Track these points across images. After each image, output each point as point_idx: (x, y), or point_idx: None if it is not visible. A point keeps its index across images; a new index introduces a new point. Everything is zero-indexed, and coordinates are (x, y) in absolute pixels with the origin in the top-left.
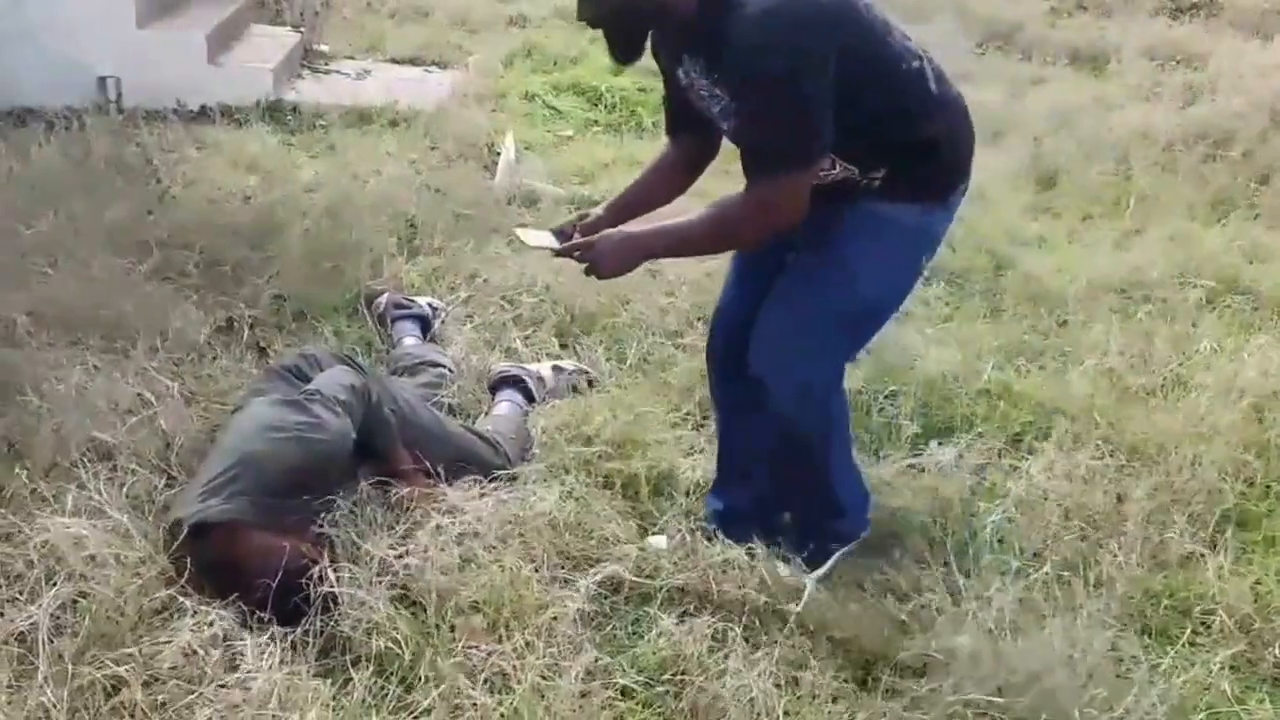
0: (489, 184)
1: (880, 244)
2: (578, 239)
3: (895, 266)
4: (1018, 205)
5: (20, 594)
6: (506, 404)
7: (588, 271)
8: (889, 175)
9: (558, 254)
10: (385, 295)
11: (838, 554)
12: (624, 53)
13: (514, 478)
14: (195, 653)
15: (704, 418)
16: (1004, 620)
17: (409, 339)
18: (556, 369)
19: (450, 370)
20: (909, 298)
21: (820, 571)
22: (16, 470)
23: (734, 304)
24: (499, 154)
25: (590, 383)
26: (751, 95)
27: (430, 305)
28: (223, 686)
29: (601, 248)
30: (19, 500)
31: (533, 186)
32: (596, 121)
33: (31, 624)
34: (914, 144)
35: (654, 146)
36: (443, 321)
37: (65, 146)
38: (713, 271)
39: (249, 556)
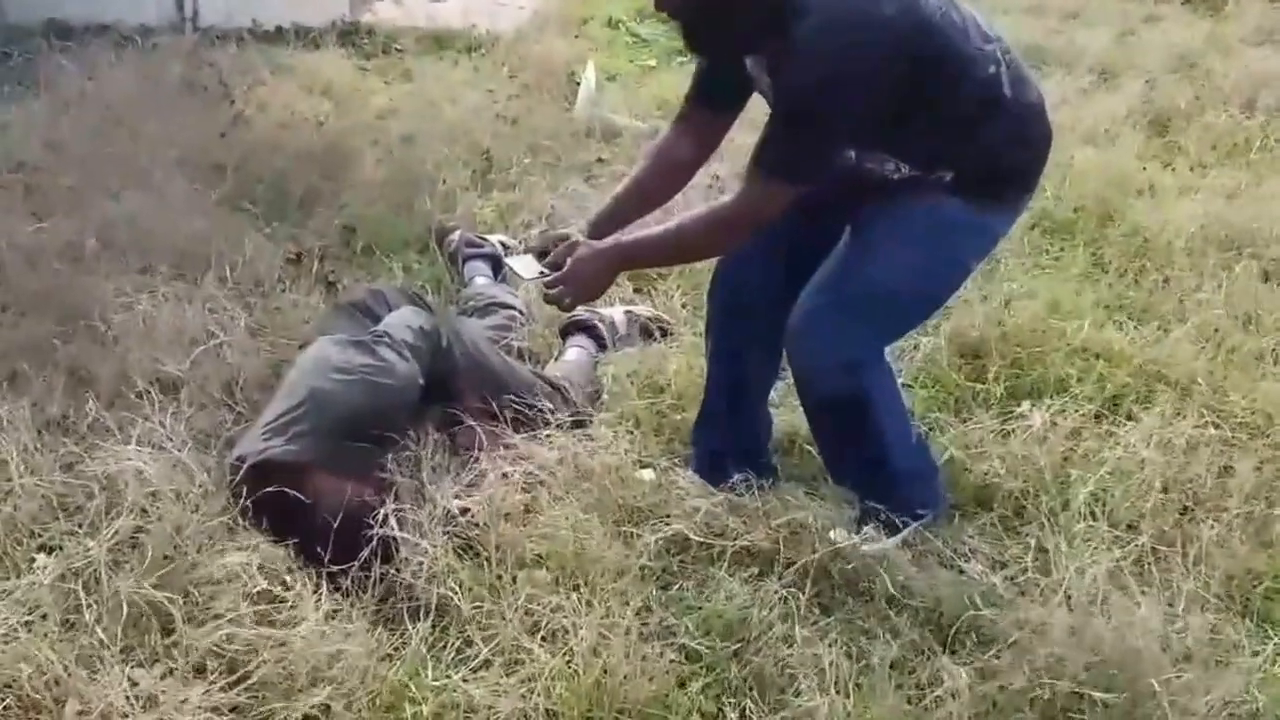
0: (568, 115)
1: (936, 239)
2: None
3: (948, 262)
4: (1127, 151)
5: (79, 526)
6: (576, 349)
7: (550, 300)
8: (955, 177)
9: (546, 294)
10: (458, 233)
11: (909, 529)
12: (703, 44)
13: (580, 423)
14: (250, 596)
15: (781, 368)
16: (1095, 595)
17: (480, 278)
18: (630, 314)
19: (521, 313)
20: (958, 293)
21: (894, 540)
22: (82, 399)
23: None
24: (579, 84)
25: (664, 331)
26: (786, 98)
27: (502, 244)
28: (274, 627)
29: (572, 271)
30: (81, 430)
31: (613, 119)
32: (681, 51)
33: (88, 560)
34: (980, 151)
35: None
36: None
37: (139, 66)
38: None
39: (311, 498)
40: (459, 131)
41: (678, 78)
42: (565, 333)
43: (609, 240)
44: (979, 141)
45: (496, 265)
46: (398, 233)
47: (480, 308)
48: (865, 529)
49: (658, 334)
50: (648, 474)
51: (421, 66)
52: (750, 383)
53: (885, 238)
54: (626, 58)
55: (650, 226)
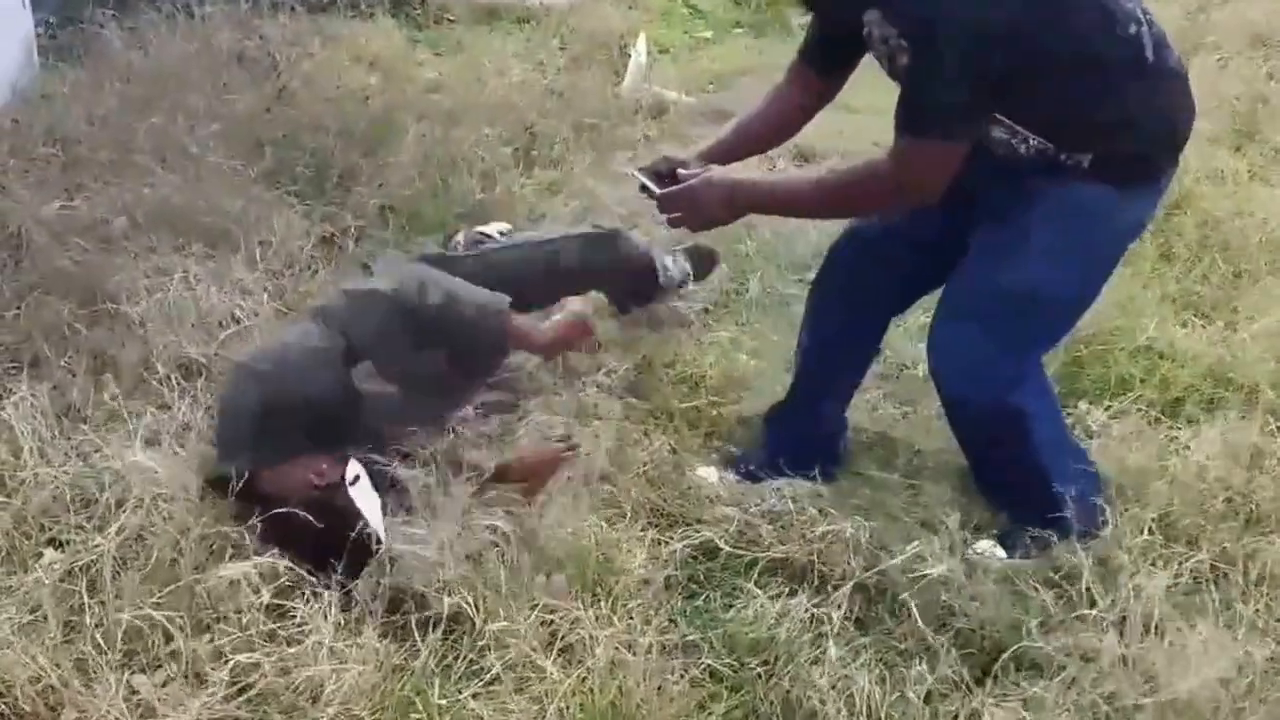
0: (617, 90)
1: (1078, 230)
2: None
3: (1092, 255)
4: (1200, 136)
5: (89, 521)
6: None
7: (675, 221)
8: (1095, 157)
9: (659, 198)
10: (462, 234)
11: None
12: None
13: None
14: (254, 605)
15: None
16: (1150, 616)
17: None
18: (674, 253)
19: None
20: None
21: (1021, 561)
22: (103, 385)
23: (872, 232)
24: (630, 56)
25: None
26: (920, 46)
27: (500, 234)
28: (279, 639)
29: (700, 194)
30: (100, 418)
31: (662, 94)
32: (739, 22)
33: (94, 558)
34: (1121, 119)
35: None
36: None
37: (188, 37)
38: None
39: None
40: (505, 106)
41: (732, 50)
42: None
43: (736, 176)
44: (1119, 109)
45: None
46: (436, 213)
47: None
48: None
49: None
50: (710, 473)
51: (472, 38)
52: (842, 378)
53: (1018, 238)
54: (681, 29)
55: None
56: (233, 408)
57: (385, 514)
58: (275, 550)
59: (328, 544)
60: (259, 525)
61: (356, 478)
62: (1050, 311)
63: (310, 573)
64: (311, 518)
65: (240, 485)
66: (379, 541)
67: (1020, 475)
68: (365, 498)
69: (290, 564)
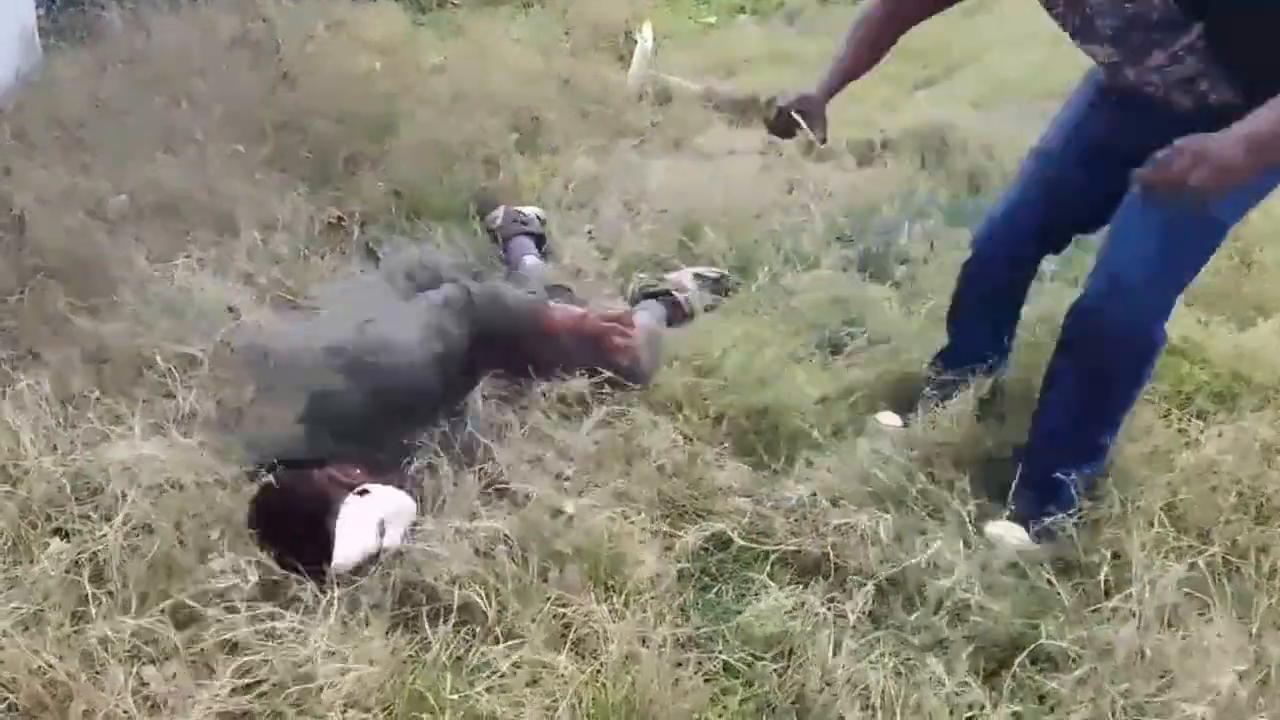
0: (621, 76)
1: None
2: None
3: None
4: None
5: (94, 511)
6: (644, 313)
7: (1167, 179)
8: None
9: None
10: (501, 209)
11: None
12: None
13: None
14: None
15: (832, 352)
16: (1164, 610)
17: (529, 258)
18: (698, 276)
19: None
20: None
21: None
22: (106, 373)
23: (1028, 211)
24: (636, 42)
25: (726, 291)
26: None
27: (538, 217)
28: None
29: (1204, 149)
30: (103, 407)
31: (667, 81)
32: (743, 8)
33: (100, 548)
34: None
35: (803, 40)
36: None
37: (192, 20)
38: (858, 186)
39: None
40: (509, 92)
41: (736, 36)
42: (634, 302)
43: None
44: None
45: (540, 241)
46: (442, 199)
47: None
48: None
49: (725, 291)
50: (890, 418)
51: (476, 22)
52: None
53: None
54: (686, 14)
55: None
56: (339, 400)
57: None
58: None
59: (294, 533)
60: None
61: (366, 492)
62: (1213, 244)
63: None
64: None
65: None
66: (328, 559)
67: (1099, 421)
68: (360, 514)
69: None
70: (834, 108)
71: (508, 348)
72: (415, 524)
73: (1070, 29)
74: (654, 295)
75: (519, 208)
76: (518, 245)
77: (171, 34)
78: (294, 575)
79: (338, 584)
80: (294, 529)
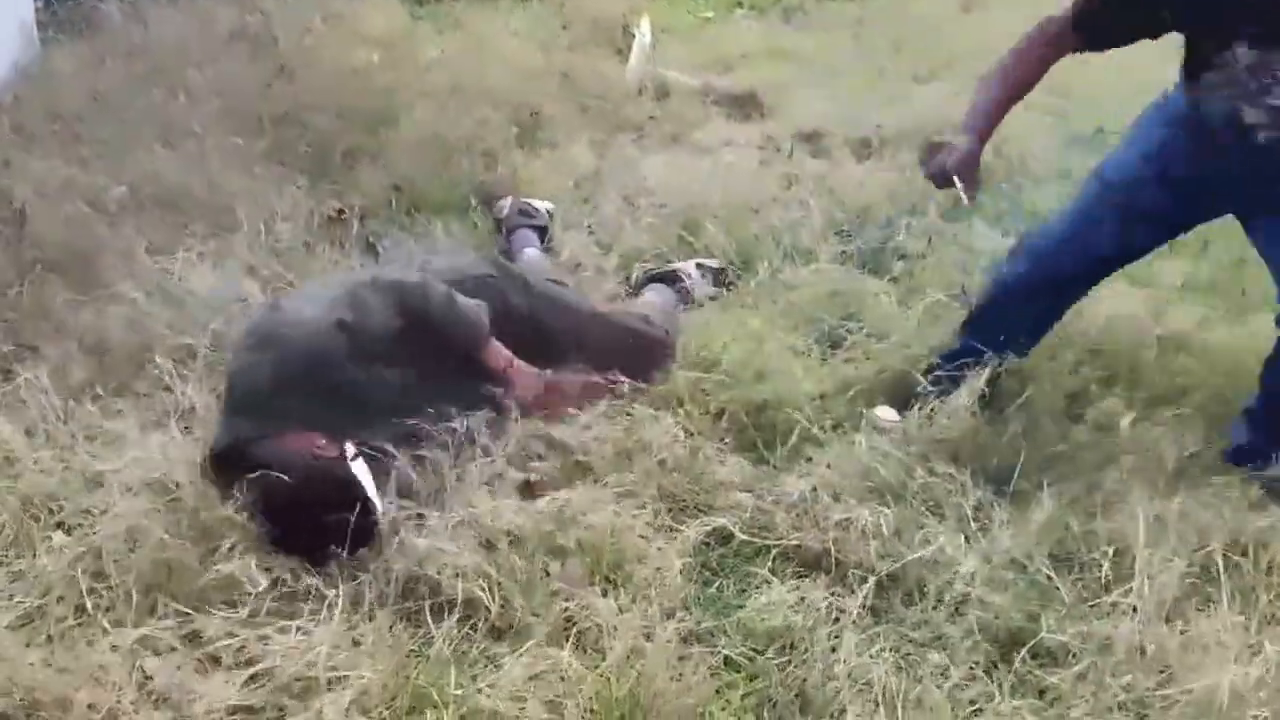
0: (620, 71)
1: None
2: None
3: None
4: None
5: (95, 505)
6: (653, 293)
7: None
8: None
9: None
10: (509, 200)
11: None
12: None
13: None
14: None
15: (832, 347)
16: (1164, 604)
17: (529, 250)
18: (700, 266)
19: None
20: None
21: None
22: (107, 365)
23: (1096, 237)
24: (634, 37)
25: (728, 284)
26: None
27: (547, 211)
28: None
29: None
30: (105, 398)
31: (666, 76)
32: (740, 3)
33: (102, 542)
34: None
35: (800, 36)
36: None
37: (190, 12)
38: (864, 181)
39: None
40: (508, 86)
41: (734, 31)
42: (640, 286)
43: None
44: None
45: (544, 234)
46: (441, 192)
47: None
48: None
49: (726, 284)
50: (888, 413)
51: (474, 15)
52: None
53: None
54: (684, 9)
55: None
56: (247, 374)
57: (383, 495)
58: (267, 525)
59: (326, 514)
60: (254, 495)
61: (356, 455)
62: None
63: (301, 553)
64: (312, 485)
65: (237, 453)
66: (378, 512)
67: None
68: (364, 474)
69: (279, 545)
70: (830, 102)
71: (441, 351)
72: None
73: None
74: (660, 278)
75: (529, 199)
76: (521, 237)
77: (169, 27)
78: (306, 565)
79: (342, 578)
80: (327, 509)
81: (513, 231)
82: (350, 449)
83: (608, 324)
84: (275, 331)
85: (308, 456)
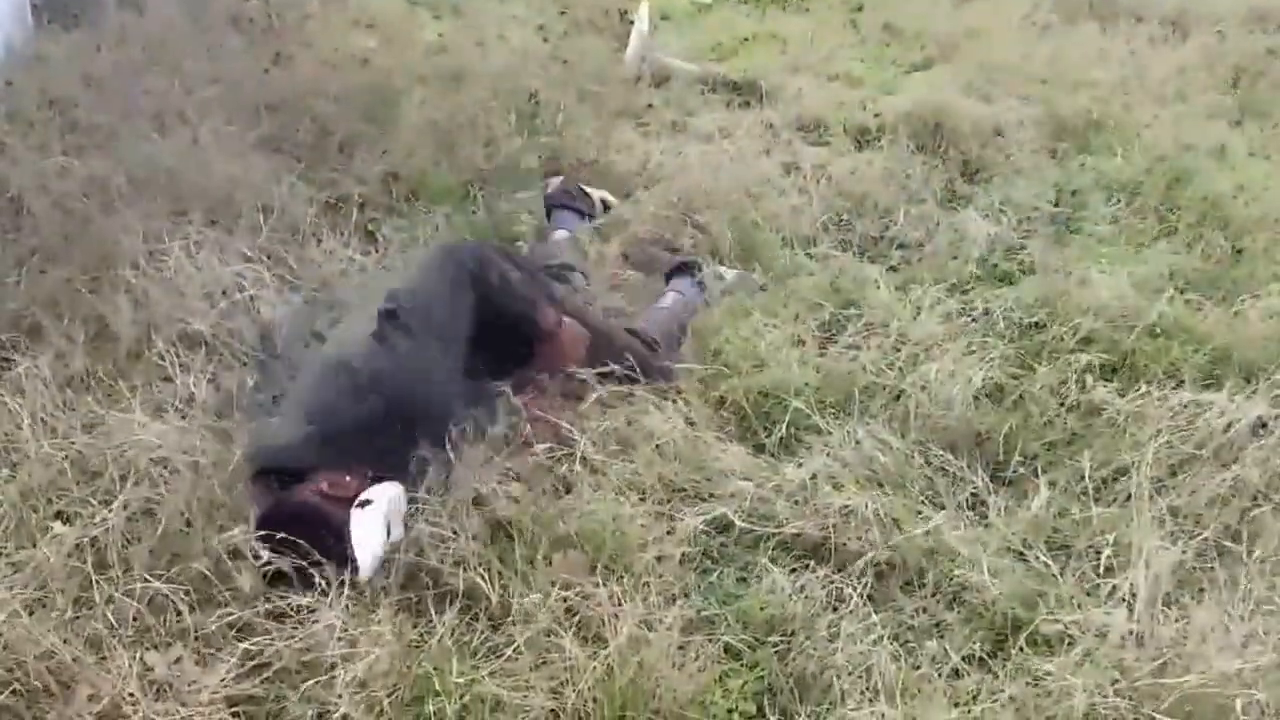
0: (619, 57)
1: None
2: None
3: None
4: (1195, 107)
5: (94, 495)
6: (673, 295)
7: None
8: None
9: None
10: (559, 179)
11: None
12: None
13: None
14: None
15: (830, 337)
16: (1161, 591)
17: (560, 232)
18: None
19: (585, 276)
20: None
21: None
22: (106, 354)
23: None
24: (633, 23)
25: (763, 287)
26: None
27: (602, 201)
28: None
29: None
30: (103, 389)
31: (665, 62)
32: None
33: (103, 532)
34: None
35: (799, 20)
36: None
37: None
38: (855, 170)
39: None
40: (507, 72)
41: (732, 18)
42: (669, 276)
43: None
44: None
45: (580, 219)
46: (441, 180)
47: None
48: None
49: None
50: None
51: (472, 1)
52: None
53: None
54: None
55: None
56: (338, 413)
57: (389, 547)
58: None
59: (307, 552)
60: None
61: (368, 502)
62: None
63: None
64: (299, 520)
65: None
66: (354, 571)
67: None
68: (370, 523)
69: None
70: (829, 90)
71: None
72: (412, 502)
73: None
74: (684, 268)
75: (586, 187)
76: (559, 218)
77: (164, 11)
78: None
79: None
80: (312, 549)
81: (551, 210)
82: (369, 495)
83: (600, 333)
84: (391, 377)
85: (314, 496)
